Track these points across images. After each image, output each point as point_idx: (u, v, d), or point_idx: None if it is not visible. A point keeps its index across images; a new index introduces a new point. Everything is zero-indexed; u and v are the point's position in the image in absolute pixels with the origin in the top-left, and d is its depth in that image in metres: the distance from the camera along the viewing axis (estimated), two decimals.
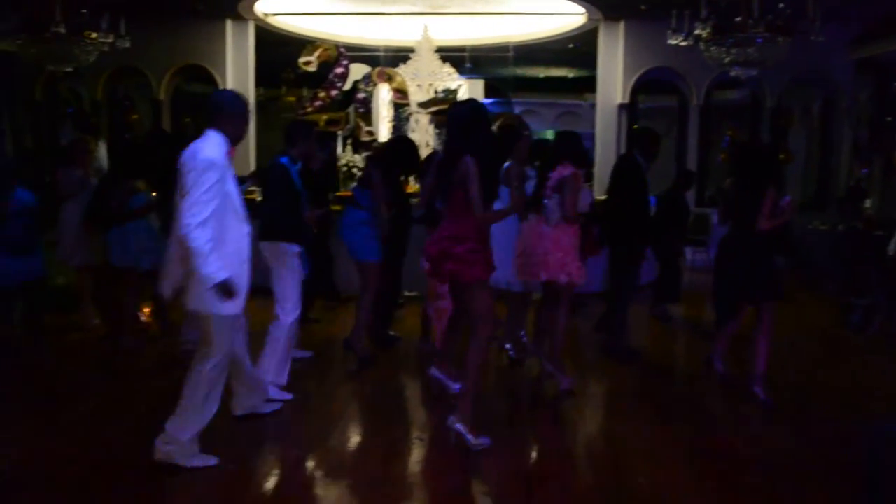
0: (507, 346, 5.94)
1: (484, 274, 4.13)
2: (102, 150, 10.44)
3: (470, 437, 4.09)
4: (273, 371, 4.95)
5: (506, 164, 5.48)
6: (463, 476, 3.92)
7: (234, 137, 3.79)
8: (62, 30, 7.92)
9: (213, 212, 3.56)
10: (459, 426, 4.11)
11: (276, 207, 5.02)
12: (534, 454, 4.27)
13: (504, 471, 3.96)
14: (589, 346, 6.53)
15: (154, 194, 6.09)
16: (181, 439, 3.76)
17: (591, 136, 11.71)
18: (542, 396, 5.32)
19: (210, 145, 3.67)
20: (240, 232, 3.77)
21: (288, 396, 4.88)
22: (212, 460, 3.86)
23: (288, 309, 4.99)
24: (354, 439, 4.53)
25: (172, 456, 3.76)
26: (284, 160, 5.08)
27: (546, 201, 5.17)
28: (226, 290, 3.62)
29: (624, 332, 6.23)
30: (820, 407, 5.07)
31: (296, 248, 4.99)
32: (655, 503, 3.62)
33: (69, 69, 8.77)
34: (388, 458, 4.08)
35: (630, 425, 4.67)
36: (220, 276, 3.59)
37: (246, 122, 3.92)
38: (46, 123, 12.05)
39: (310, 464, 4.04)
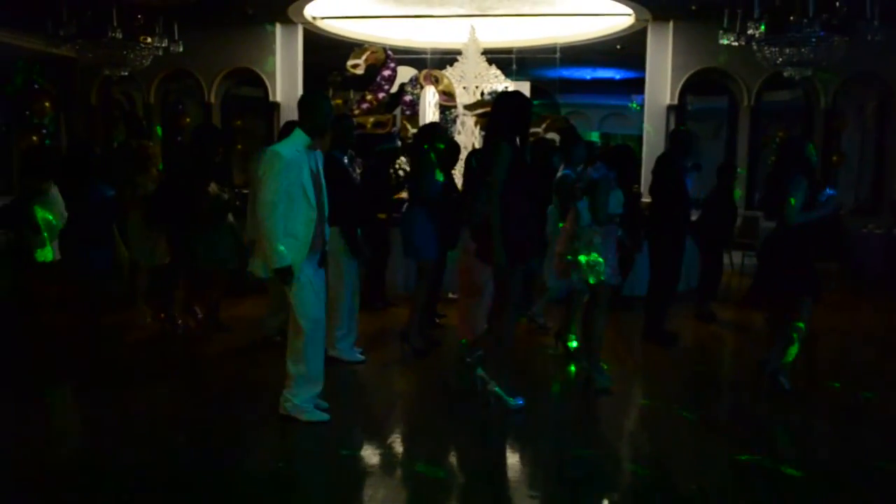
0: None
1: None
2: None
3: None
4: None
5: (564, 171, 5.69)
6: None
7: (313, 132, 4.26)
8: (118, 35, 8.13)
9: (281, 200, 4.11)
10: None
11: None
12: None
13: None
14: (636, 350, 6.49)
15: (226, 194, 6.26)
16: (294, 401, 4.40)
17: (639, 139, 11.61)
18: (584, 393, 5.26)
19: (284, 142, 4.31)
20: (308, 217, 4.21)
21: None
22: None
23: None
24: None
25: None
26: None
27: (577, 203, 5.17)
28: (284, 275, 4.15)
29: (664, 317, 6.51)
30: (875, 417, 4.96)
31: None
32: None
33: (124, 73, 8.99)
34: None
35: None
36: (283, 262, 4.12)
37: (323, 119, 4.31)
38: (101, 127, 12.35)
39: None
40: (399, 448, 4.25)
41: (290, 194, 4.14)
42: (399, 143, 10.14)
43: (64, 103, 12.26)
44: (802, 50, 7.29)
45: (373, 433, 4.40)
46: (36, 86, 11.96)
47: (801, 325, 5.08)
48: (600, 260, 5.01)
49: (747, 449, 4.24)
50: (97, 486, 3.69)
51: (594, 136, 18.08)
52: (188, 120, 14.35)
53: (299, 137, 4.24)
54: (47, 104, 11.55)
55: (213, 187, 6.17)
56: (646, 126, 11.53)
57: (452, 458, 4.21)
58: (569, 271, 5.17)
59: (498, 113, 4.70)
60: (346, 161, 5.67)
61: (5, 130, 11.21)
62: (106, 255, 6.00)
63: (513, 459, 4.24)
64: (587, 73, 15.59)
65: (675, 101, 11.32)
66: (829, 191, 5.10)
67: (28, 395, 5.05)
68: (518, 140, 4.58)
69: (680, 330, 6.86)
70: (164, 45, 8.66)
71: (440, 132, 6.48)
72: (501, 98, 4.92)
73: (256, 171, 4.42)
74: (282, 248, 4.12)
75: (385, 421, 4.64)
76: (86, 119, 12.20)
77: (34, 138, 10.60)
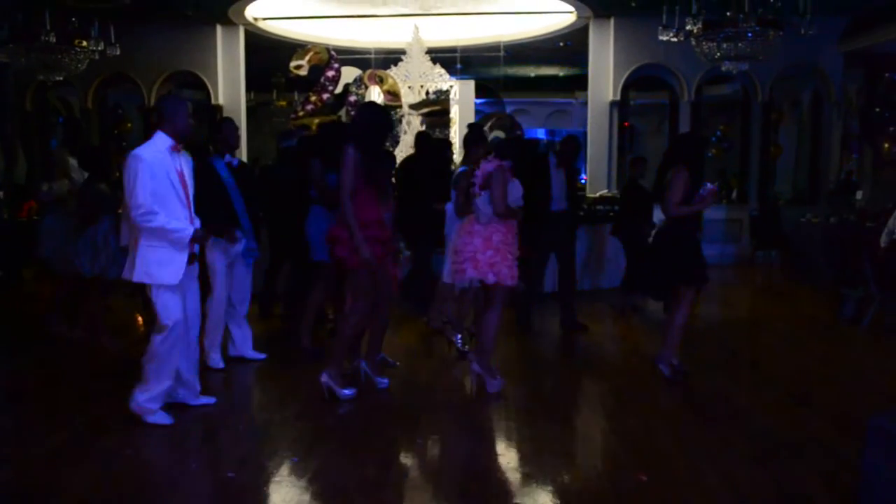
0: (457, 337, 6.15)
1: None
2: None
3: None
4: None
5: (461, 168, 5.65)
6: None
7: (175, 135, 4.35)
8: (52, 38, 7.91)
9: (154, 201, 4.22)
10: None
11: None
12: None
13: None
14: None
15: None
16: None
17: (584, 134, 11.75)
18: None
19: (146, 144, 4.32)
20: (182, 215, 4.35)
21: None
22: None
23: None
24: None
25: None
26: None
27: (476, 199, 5.03)
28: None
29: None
30: (819, 399, 5.09)
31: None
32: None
33: (59, 78, 8.76)
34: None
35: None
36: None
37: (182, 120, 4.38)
38: (37, 133, 12.01)
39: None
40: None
41: (159, 195, 4.23)
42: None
43: None
44: (739, 44, 7.46)
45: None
46: None
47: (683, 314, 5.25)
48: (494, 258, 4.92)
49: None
50: None
51: (540, 133, 18.25)
52: (129, 125, 14.09)
53: (161, 139, 4.33)
54: None
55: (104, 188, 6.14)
56: (590, 120, 11.67)
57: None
58: (463, 270, 4.97)
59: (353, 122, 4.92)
60: (224, 164, 5.59)
61: None
62: None
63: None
64: (531, 71, 15.72)
65: (618, 97, 11.47)
66: (708, 185, 5.21)
67: None
68: (370, 146, 4.79)
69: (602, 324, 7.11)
70: (100, 48, 8.45)
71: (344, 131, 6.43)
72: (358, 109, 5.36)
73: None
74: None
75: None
76: (21, 126, 11.83)
77: None
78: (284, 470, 3.94)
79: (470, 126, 6.69)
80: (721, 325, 7.66)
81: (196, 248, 4.51)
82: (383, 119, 5.03)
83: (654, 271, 5.34)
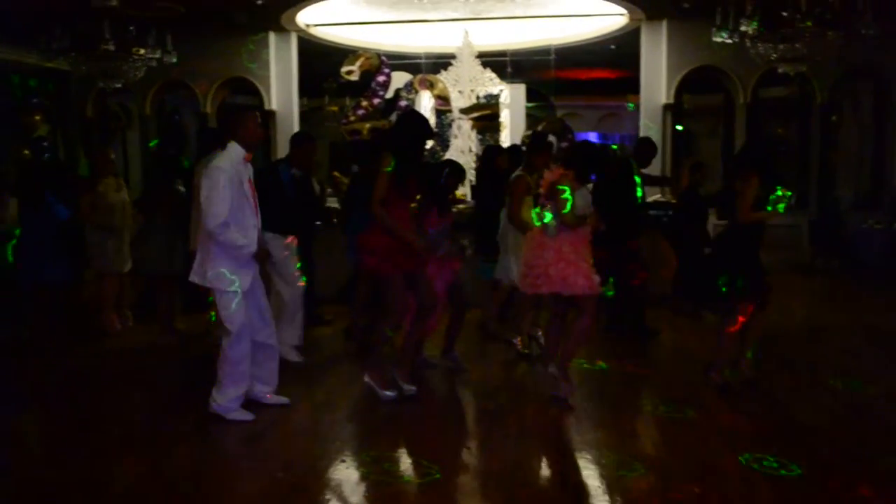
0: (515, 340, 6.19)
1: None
2: None
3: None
4: None
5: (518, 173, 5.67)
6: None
7: (246, 145, 4.50)
8: (111, 47, 8.13)
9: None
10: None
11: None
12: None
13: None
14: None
15: None
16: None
17: (635, 138, 11.56)
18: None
19: (221, 155, 4.49)
20: (252, 223, 4.55)
21: None
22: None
23: None
24: None
25: None
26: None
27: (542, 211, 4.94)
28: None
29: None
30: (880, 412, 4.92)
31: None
32: None
33: (118, 85, 8.99)
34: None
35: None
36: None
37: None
38: (98, 139, 12.34)
39: None
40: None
41: (234, 204, 4.39)
42: None
43: (59, 116, 12.26)
44: (796, 45, 7.27)
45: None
46: (35, 100, 11.98)
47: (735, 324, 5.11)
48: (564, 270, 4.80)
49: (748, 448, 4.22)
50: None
51: (592, 137, 18.03)
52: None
53: (235, 150, 4.47)
54: (38, 118, 11.54)
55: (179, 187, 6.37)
56: (643, 122, 11.50)
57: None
58: (538, 285, 4.89)
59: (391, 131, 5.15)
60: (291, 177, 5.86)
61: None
62: (59, 269, 5.96)
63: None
64: (582, 75, 15.56)
65: (671, 100, 11.30)
66: (780, 192, 5.06)
67: None
68: (406, 155, 4.83)
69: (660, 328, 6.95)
70: (157, 56, 8.64)
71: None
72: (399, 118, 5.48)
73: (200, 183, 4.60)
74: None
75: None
76: (82, 131, 12.18)
77: (26, 152, 10.60)
78: (332, 470, 3.97)
79: (534, 134, 6.67)
80: (777, 334, 7.45)
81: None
82: (422, 129, 5.03)
83: (711, 278, 5.15)
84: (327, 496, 3.69)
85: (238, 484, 3.92)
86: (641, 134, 11.47)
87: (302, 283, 5.93)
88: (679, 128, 11.98)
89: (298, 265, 5.94)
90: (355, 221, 6.02)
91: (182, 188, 6.64)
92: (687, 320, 7.41)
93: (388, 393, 4.98)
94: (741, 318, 5.11)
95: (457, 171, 5.65)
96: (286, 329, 5.85)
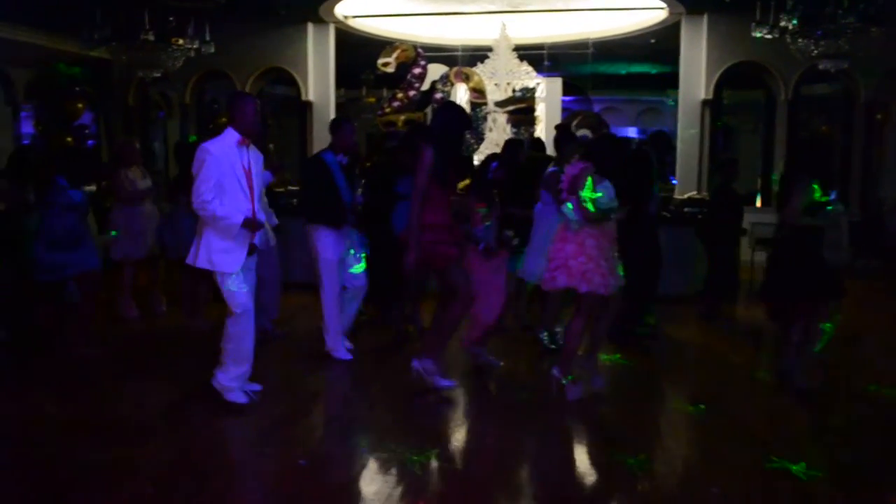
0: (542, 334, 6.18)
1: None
2: None
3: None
4: None
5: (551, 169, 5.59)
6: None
7: (242, 131, 4.53)
8: (150, 37, 8.25)
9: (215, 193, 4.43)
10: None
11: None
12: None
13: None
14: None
15: None
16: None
17: (675, 134, 11.44)
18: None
19: (214, 139, 4.53)
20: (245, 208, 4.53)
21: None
22: None
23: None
24: None
25: None
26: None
27: (563, 206, 4.87)
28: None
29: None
30: None
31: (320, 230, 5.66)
32: None
33: (157, 74, 9.12)
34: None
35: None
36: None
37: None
38: (139, 128, 12.55)
39: None
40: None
41: (224, 187, 4.43)
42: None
43: (102, 104, 12.49)
44: (838, 42, 7.10)
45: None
46: (77, 88, 12.21)
47: (828, 326, 4.98)
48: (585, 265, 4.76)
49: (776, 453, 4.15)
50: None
51: (631, 132, 17.88)
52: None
53: (230, 134, 4.51)
54: (80, 105, 11.76)
55: None
56: (681, 117, 11.35)
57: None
58: (554, 278, 4.85)
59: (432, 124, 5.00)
60: (337, 162, 5.76)
61: (43, 131, 11.44)
62: (76, 258, 5.92)
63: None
64: (622, 69, 15.41)
65: (711, 96, 11.12)
66: (832, 194, 4.95)
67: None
68: (446, 148, 4.81)
69: (685, 330, 6.90)
70: (195, 46, 8.75)
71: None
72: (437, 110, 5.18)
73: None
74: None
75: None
76: (123, 119, 12.41)
77: (68, 139, 10.82)
78: (356, 458, 4.01)
79: (557, 127, 6.61)
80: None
81: (257, 239, 4.66)
82: (461, 121, 5.00)
83: (782, 285, 5.05)
84: (349, 483, 3.73)
85: (260, 469, 3.96)
86: (680, 130, 11.36)
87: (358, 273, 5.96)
88: (720, 123, 11.83)
89: (362, 256, 5.98)
90: (399, 214, 6.04)
91: None
92: (711, 321, 7.33)
93: (444, 381, 5.00)
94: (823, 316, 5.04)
95: (506, 164, 5.64)
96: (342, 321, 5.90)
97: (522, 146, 7.16)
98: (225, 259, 4.51)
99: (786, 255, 5.06)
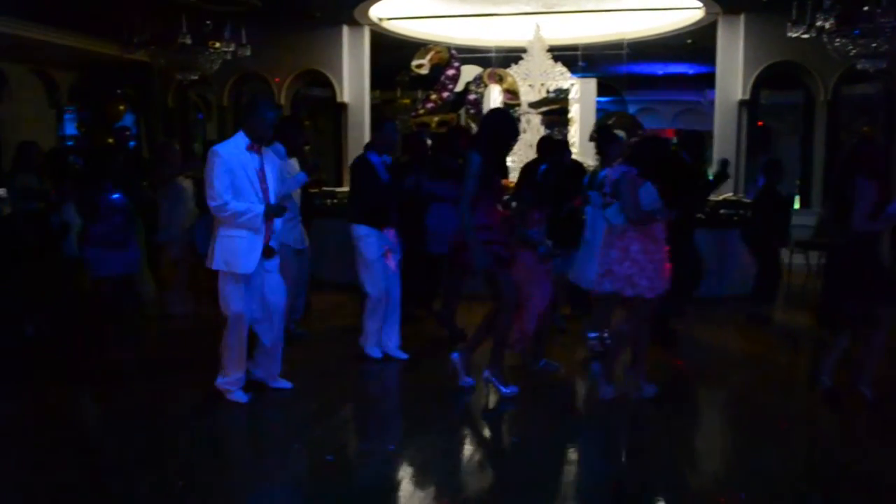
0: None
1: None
2: None
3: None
4: None
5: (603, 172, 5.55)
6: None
7: (252, 136, 4.52)
8: (188, 40, 8.41)
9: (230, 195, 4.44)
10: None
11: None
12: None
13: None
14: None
15: None
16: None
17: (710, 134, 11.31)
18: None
19: (226, 141, 4.59)
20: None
21: None
22: None
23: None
24: None
25: None
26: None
27: (607, 210, 4.88)
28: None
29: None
30: None
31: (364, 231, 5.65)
32: None
33: (194, 77, 9.29)
34: None
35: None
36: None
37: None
38: (178, 129, 12.78)
39: None
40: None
41: (236, 189, 4.43)
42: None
43: (142, 107, 12.75)
44: (876, 41, 6.96)
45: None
46: (119, 90, 12.50)
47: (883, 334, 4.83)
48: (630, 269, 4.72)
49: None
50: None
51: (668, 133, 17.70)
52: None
53: (241, 138, 4.53)
54: (122, 108, 12.02)
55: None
56: (717, 119, 11.23)
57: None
58: (601, 282, 4.86)
59: (480, 128, 5.12)
60: (381, 162, 5.74)
61: (86, 133, 11.72)
62: (124, 258, 6.07)
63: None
64: (659, 69, 15.28)
65: (748, 96, 10.97)
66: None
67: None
68: (494, 154, 4.84)
69: (723, 333, 6.80)
70: (231, 49, 8.89)
71: None
72: (486, 115, 5.43)
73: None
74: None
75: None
76: (163, 121, 12.65)
77: (109, 140, 11.04)
78: (381, 456, 4.05)
79: (599, 130, 6.55)
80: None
81: (273, 241, 4.65)
82: (510, 127, 5.02)
83: (842, 294, 4.86)
84: (376, 480, 3.78)
85: (288, 464, 4.02)
86: (716, 131, 11.23)
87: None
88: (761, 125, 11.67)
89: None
90: (435, 215, 6.07)
91: None
92: (758, 324, 7.24)
93: (508, 389, 4.95)
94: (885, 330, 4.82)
95: (556, 168, 5.62)
96: (388, 330, 5.88)
97: (567, 147, 7.15)
98: (240, 261, 4.52)
99: (847, 261, 4.85)
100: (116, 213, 5.91)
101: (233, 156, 4.46)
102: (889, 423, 4.70)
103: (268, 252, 4.61)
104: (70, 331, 6.50)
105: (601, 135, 6.14)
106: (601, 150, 6.05)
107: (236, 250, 4.51)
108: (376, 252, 5.70)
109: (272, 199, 4.61)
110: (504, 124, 4.97)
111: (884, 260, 4.94)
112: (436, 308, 6.81)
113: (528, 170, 6.86)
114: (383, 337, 5.85)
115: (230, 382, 4.75)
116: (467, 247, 4.75)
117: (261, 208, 4.47)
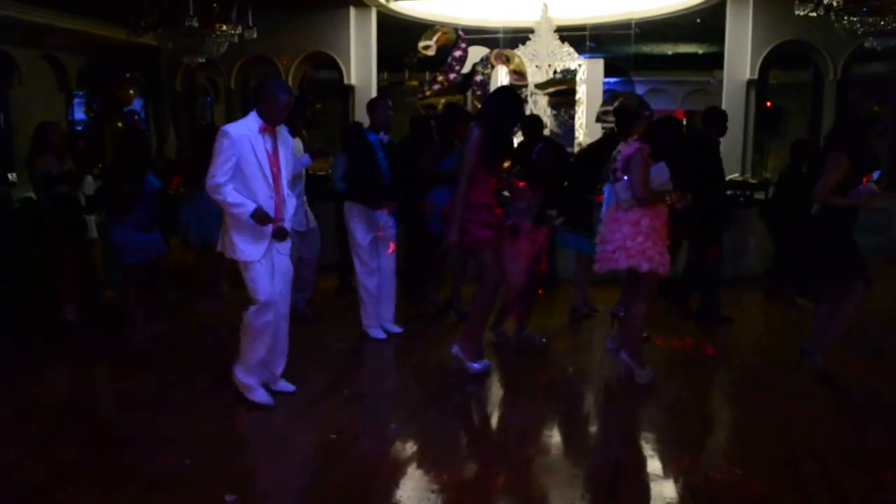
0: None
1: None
2: None
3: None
4: None
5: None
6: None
7: (265, 117, 4.39)
8: (195, 23, 8.41)
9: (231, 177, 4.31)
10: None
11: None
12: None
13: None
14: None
15: None
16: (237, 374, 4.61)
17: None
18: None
19: (237, 122, 4.45)
20: (266, 195, 4.39)
21: None
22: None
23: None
24: None
25: None
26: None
27: (616, 185, 4.88)
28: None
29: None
30: None
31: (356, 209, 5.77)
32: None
33: (201, 60, 9.30)
34: None
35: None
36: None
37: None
38: (186, 112, 12.83)
39: None
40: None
41: (243, 172, 4.31)
42: None
43: (150, 90, 12.79)
44: (885, 18, 6.89)
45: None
46: (128, 74, 12.53)
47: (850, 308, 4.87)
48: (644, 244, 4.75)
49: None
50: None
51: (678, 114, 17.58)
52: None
53: (253, 119, 4.39)
54: (131, 91, 12.06)
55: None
56: (725, 99, 11.16)
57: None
58: (615, 259, 4.85)
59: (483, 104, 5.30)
60: (378, 140, 5.79)
61: (95, 117, 11.78)
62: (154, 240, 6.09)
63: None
64: (668, 49, 15.15)
65: (756, 76, 10.90)
66: (872, 183, 4.79)
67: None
68: (495, 130, 4.85)
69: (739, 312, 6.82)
70: (238, 31, 8.89)
71: None
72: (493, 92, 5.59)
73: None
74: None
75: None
76: (171, 105, 12.69)
77: (119, 124, 11.13)
78: (386, 434, 4.11)
79: (616, 110, 6.48)
80: (865, 321, 7.20)
81: (286, 223, 4.52)
82: (513, 106, 5.04)
83: (810, 263, 5.00)
84: (378, 458, 3.84)
85: (292, 443, 4.09)
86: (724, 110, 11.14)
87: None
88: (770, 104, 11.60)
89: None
90: (437, 194, 6.10)
91: None
92: (779, 306, 7.27)
93: (475, 365, 5.05)
94: (855, 301, 4.87)
95: (551, 148, 5.63)
96: (384, 306, 6.01)
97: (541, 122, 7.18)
98: (246, 247, 4.37)
99: (815, 233, 4.94)
100: (150, 199, 5.97)
101: (243, 136, 4.30)
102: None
103: (279, 234, 4.47)
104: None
105: (622, 113, 6.09)
106: (623, 130, 6.01)
107: (244, 236, 4.36)
108: (365, 232, 5.80)
109: (283, 181, 4.49)
110: (509, 103, 4.99)
111: (850, 238, 4.89)
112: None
113: (521, 150, 6.88)
114: (378, 312, 5.96)
115: (247, 372, 4.54)
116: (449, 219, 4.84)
117: (251, 207, 4.28)
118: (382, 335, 5.92)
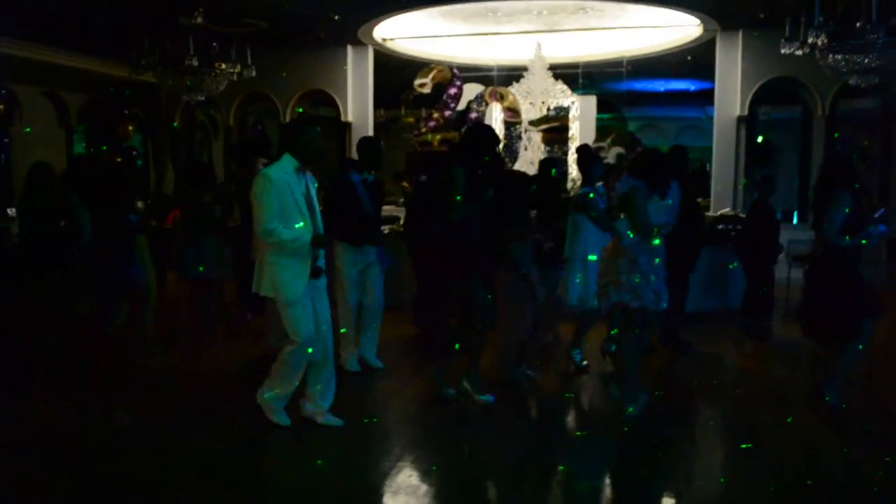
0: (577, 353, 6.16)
1: None
2: None
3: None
4: None
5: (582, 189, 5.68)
6: None
7: (301, 158, 4.51)
8: (195, 62, 8.58)
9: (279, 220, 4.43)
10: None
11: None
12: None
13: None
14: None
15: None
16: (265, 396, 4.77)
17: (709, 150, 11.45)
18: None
19: (273, 165, 4.57)
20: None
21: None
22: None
23: None
24: None
25: None
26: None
27: (616, 223, 4.96)
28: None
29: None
30: None
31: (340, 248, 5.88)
32: None
33: (201, 98, 9.46)
34: None
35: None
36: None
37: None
38: (184, 148, 12.97)
39: None
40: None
41: (284, 214, 4.41)
42: None
43: (149, 127, 12.96)
44: (868, 57, 7.06)
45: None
46: (127, 111, 12.68)
47: (861, 346, 4.89)
48: (637, 281, 4.80)
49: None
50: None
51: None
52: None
53: (287, 161, 4.50)
54: (131, 128, 12.22)
55: (206, 197, 6.66)
56: (715, 135, 11.35)
57: None
58: (606, 293, 4.93)
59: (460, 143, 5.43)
60: (362, 181, 5.94)
61: (94, 153, 11.91)
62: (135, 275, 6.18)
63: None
64: (660, 86, 15.37)
65: (746, 112, 11.10)
66: (878, 212, 4.86)
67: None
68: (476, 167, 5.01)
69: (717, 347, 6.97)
70: (237, 70, 9.06)
71: None
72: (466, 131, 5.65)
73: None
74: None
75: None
76: (169, 141, 12.84)
77: (118, 159, 11.24)
78: (376, 467, 4.14)
79: (579, 149, 6.58)
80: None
81: (322, 262, 4.61)
82: (485, 140, 5.16)
83: (823, 305, 4.92)
84: (368, 490, 3.87)
85: (279, 472, 4.13)
86: (715, 147, 11.34)
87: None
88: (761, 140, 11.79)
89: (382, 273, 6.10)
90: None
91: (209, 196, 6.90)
92: (751, 338, 7.35)
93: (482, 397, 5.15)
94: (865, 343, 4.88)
95: (515, 183, 5.70)
96: (367, 339, 6.13)
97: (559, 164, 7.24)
98: (290, 286, 4.48)
99: (823, 272, 4.93)
100: (131, 233, 6.06)
101: (282, 180, 4.41)
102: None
103: (315, 273, 4.55)
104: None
105: (582, 155, 6.18)
106: (583, 171, 6.11)
107: (285, 276, 4.48)
108: (351, 268, 5.94)
109: (318, 219, 4.59)
110: (478, 138, 5.17)
111: (860, 273, 4.91)
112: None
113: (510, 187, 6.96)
114: (362, 344, 6.08)
115: (275, 399, 4.70)
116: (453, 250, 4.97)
117: (308, 236, 4.43)
118: (357, 368, 6.06)
